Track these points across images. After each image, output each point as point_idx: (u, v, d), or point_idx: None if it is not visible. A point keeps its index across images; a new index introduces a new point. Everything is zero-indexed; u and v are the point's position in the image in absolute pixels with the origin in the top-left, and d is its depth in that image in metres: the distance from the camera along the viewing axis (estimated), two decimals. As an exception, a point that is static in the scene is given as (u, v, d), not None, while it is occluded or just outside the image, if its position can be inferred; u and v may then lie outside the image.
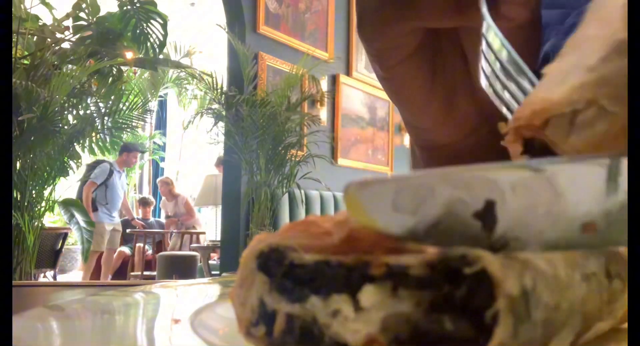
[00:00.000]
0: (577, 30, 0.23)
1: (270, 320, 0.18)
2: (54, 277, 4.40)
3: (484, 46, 0.27)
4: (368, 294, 0.16)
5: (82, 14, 3.74)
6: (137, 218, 6.45)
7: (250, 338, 0.18)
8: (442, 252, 0.15)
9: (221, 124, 4.17)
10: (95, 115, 3.70)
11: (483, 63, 0.27)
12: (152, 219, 6.72)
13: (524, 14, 0.31)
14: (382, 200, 0.15)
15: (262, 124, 3.97)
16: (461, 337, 0.15)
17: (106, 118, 3.67)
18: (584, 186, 0.17)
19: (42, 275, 4.20)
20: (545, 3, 0.54)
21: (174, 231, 6.16)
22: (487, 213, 0.15)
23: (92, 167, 5.57)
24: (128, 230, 5.95)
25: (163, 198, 6.74)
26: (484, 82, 0.27)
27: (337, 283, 0.16)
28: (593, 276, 0.18)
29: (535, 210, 0.16)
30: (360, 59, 5.27)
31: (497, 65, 0.26)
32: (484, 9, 0.28)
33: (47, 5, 3.74)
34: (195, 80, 4.66)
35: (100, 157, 5.26)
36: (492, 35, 0.27)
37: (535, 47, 0.37)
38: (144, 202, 6.80)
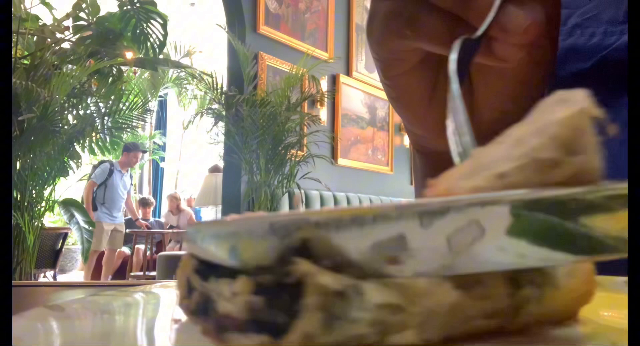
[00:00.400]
0: (523, 121, 0.23)
1: (191, 295, 0.22)
2: (54, 277, 4.40)
3: (450, 107, 0.27)
4: (239, 281, 0.19)
5: (82, 14, 3.74)
6: (141, 219, 6.45)
7: (182, 308, 0.23)
8: (272, 265, 0.18)
9: (221, 124, 4.17)
10: (95, 115, 3.70)
11: (449, 122, 0.27)
12: (152, 219, 6.72)
13: (518, 55, 0.30)
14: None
15: (262, 124, 3.98)
16: (284, 329, 0.18)
17: (106, 118, 3.67)
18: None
19: (42, 275, 4.20)
20: None
21: (174, 231, 6.17)
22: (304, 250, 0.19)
23: (95, 167, 5.60)
24: (128, 230, 5.95)
25: (167, 211, 6.77)
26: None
27: (225, 270, 0.20)
28: (477, 285, 0.20)
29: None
30: (360, 59, 5.27)
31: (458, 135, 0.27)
32: (453, 75, 0.27)
33: (47, 5, 3.74)
34: (195, 80, 4.67)
35: (101, 157, 5.28)
36: (458, 103, 0.27)
37: (543, 82, 0.36)
38: (144, 203, 6.79)
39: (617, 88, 0.46)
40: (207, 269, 0.21)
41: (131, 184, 6.15)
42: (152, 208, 6.89)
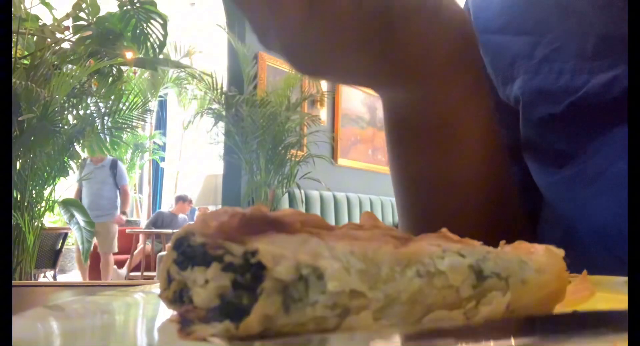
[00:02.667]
0: None
1: (170, 285, 0.23)
2: (54, 277, 4.39)
3: None
4: (212, 269, 0.20)
5: (82, 14, 3.73)
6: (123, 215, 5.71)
7: (162, 299, 0.24)
8: (243, 248, 0.20)
9: (221, 124, 4.17)
10: (95, 115, 3.70)
11: None
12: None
13: None
14: None
15: (262, 124, 3.97)
16: (245, 313, 0.19)
17: (106, 118, 3.67)
18: None
19: (42, 275, 4.20)
20: (510, 29, 0.51)
21: (172, 231, 6.15)
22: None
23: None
24: (128, 230, 5.93)
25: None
26: None
27: (200, 259, 0.21)
28: (439, 274, 0.22)
29: None
30: (360, 59, 5.27)
31: None
32: None
33: (47, 5, 3.74)
34: (195, 80, 4.66)
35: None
36: None
37: None
38: (181, 198, 6.50)
39: (589, 132, 0.45)
40: (185, 259, 0.22)
41: (111, 175, 5.41)
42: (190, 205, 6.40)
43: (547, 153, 0.49)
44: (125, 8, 3.72)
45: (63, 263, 5.96)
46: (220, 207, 4.66)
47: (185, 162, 8.61)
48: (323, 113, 4.70)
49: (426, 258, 0.22)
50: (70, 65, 3.59)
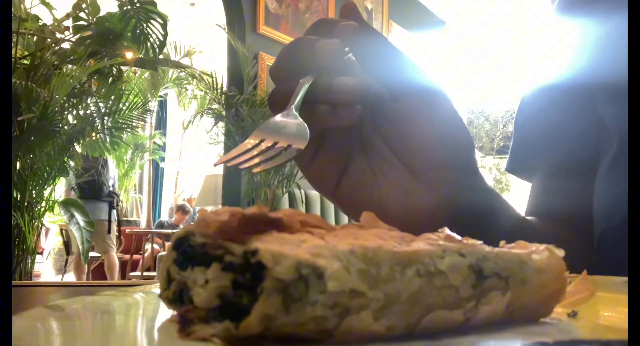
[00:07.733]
0: None
1: (170, 285, 0.24)
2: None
3: None
4: (212, 269, 0.21)
5: (82, 14, 3.73)
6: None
7: (162, 299, 0.24)
8: (242, 247, 0.20)
9: (221, 124, 4.16)
10: (95, 115, 3.69)
11: None
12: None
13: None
14: None
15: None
16: (245, 313, 0.19)
17: (106, 118, 3.67)
18: None
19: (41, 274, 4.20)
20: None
21: (171, 231, 6.15)
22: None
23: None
24: (128, 230, 5.93)
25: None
26: None
27: (200, 259, 0.21)
28: (439, 274, 0.22)
29: None
30: (360, 59, 5.27)
31: None
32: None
33: (47, 5, 3.74)
34: (195, 80, 4.66)
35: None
36: None
37: None
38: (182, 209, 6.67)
39: None
40: (185, 260, 0.23)
41: None
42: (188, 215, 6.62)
43: None
44: (125, 8, 3.72)
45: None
46: (220, 207, 4.64)
47: (185, 162, 8.61)
48: (323, 113, 4.70)
49: (426, 258, 0.22)
50: (70, 65, 3.58)
